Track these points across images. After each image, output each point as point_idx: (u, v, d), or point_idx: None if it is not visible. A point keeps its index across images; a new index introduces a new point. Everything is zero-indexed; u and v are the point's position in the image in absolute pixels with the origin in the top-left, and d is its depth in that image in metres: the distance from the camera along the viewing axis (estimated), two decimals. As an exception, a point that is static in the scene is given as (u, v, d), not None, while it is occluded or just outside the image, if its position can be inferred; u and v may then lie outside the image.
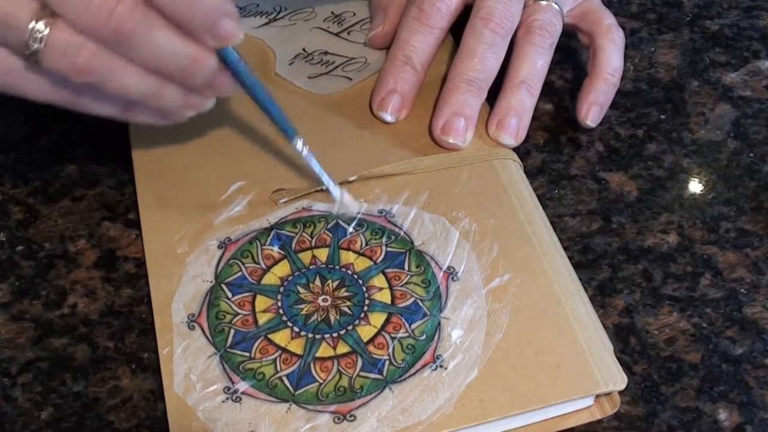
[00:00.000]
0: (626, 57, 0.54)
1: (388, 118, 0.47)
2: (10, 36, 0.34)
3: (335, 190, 0.43)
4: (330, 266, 0.41)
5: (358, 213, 0.43)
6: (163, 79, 0.36)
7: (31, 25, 0.33)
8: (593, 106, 0.48)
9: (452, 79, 0.46)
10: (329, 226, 0.42)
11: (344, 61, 0.51)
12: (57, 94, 0.36)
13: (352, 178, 0.44)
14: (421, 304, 0.39)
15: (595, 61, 0.49)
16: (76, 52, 0.34)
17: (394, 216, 0.43)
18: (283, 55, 0.51)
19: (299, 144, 0.42)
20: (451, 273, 0.40)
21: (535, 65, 0.47)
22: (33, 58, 0.34)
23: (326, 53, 0.52)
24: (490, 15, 0.46)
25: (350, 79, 0.50)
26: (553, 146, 0.49)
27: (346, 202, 0.43)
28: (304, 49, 0.52)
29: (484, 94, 0.46)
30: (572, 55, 0.54)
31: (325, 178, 0.42)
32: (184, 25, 0.35)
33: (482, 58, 0.46)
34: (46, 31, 0.33)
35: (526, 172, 0.46)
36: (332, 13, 0.54)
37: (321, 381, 0.37)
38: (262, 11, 0.54)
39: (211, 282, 0.40)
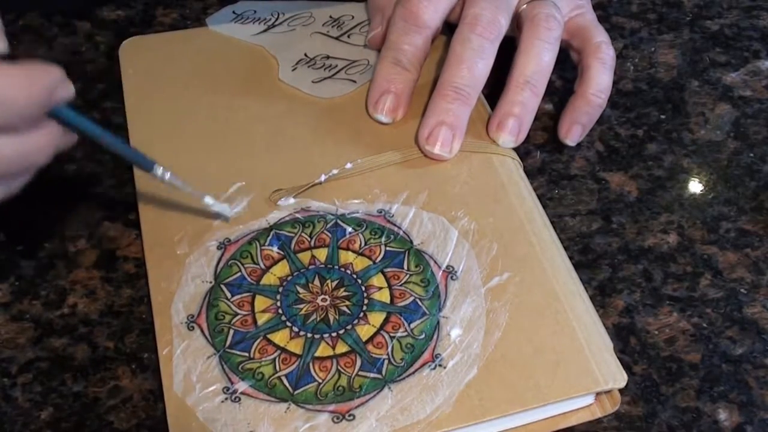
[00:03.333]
0: (626, 57, 0.54)
1: (384, 119, 0.47)
2: None
3: (206, 198, 0.41)
4: (329, 266, 0.41)
5: (232, 215, 0.42)
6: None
7: None
8: (574, 126, 0.48)
9: (439, 86, 0.46)
10: (328, 226, 0.42)
11: (347, 64, 0.51)
12: None
13: (323, 179, 0.44)
14: (420, 303, 0.39)
15: (582, 79, 0.48)
16: None
17: (393, 215, 0.43)
18: (286, 61, 0.51)
19: (159, 171, 0.39)
20: (450, 272, 0.40)
21: (540, 62, 0.47)
22: None
23: (328, 57, 0.52)
24: (476, 20, 0.46)
25: (354, 81, 0.50)
26: (553, 146, 0.49)
27: (218, 207, 0.42)
28: (305, 54, 0.52)
29: (473, 102, 0.46)
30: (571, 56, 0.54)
31: (189, 189, 0.40)
32: (20, 125, 0.32)
33: (470, 64, 0.46)
34: None
35: (526, 172, 0.46)
36: (330, 17, 0.55)
37: (320, 380, 0.37)
38: (259, 18, 0.54)
39: (211, 283, 0.40)
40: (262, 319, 0.39)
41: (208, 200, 0.41)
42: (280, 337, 0.38)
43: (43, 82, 0.32)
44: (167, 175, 0.40)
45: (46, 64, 0.32)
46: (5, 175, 0.34)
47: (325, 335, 0.38)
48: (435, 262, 0.41)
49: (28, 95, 0.31)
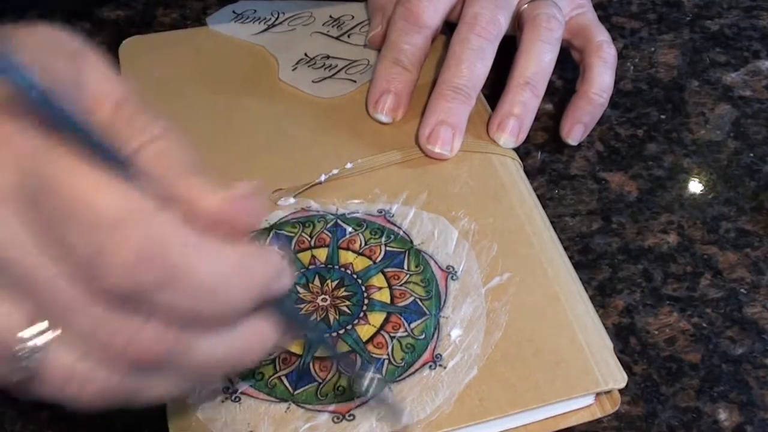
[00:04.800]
0: (626, 57, 0.54)
1: (384, 118, 0.47)
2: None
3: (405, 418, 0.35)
4: (329, 266, 0.41)
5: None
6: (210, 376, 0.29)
7: (19, 345, 0.24)
8: (576, 125, 0.48)
9: (439, 86, 0.46)
10: (328, 226, 0.42)
11: (347, 63, 0.51)
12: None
13: (323, 179, 0.44)
14: (420, 303, 0.39)
15: (584, 78, 0.49)
16: (80, 385, 0.26)
17: (393, 215, 0.43)
18: (286, 61, 0.51)
19: (376, 378, 0.35)
20: (450, 272, 0.40)
21: (541, 63, 0.47)
22: (17, 378, 0.25)
23: (328, 57, 0.52)
24: (475, 20, 0.46)
25: (354, 81, 0.50)
26: (553, 146, 0.49)
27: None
28: (306, 54, 0.52)
29: (473, 101, 0.46)
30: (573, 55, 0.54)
31: (397, 408, 0.35)
32: (234, 318, 0.27)
33: (469, 64, 0.46)
34: (38, 355, 0.25)
35: (526, 172, 0.46)
36: (330, 17, 0.55)
37: (320, 380, 0.37)
38: (259, 17, 0.54)
39: (211, 282, 0.40)
40: (262, 319, 0.39)
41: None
42: (280, 337, 0.38)
43: (264, 276, 0.26)
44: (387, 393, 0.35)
45: (268, 247, 0.26)
46: (201, 378, 0.28)
47: (326, 335, 0.38)
48: (435, 262, 0.41)
49: (241, 289, 0.25)
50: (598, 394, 0.37)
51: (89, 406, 0.26)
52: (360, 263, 0.41)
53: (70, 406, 0.26)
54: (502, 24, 0.47)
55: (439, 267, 0.41)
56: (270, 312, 0.28)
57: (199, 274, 0.24)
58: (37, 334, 0.24)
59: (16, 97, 0.22)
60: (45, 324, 0.24)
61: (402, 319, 0.39)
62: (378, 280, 0.40)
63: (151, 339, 0.25)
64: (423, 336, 0.38)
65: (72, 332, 0.24)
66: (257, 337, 0.28)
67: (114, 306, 0.24)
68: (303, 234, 0.42)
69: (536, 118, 0.48)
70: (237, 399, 0.36)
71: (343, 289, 0.40)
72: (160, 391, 0.27)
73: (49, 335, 0.24)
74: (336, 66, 0.51)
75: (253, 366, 0.30)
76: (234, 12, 0.55)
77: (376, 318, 0.39)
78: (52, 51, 0.26)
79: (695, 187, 0.48)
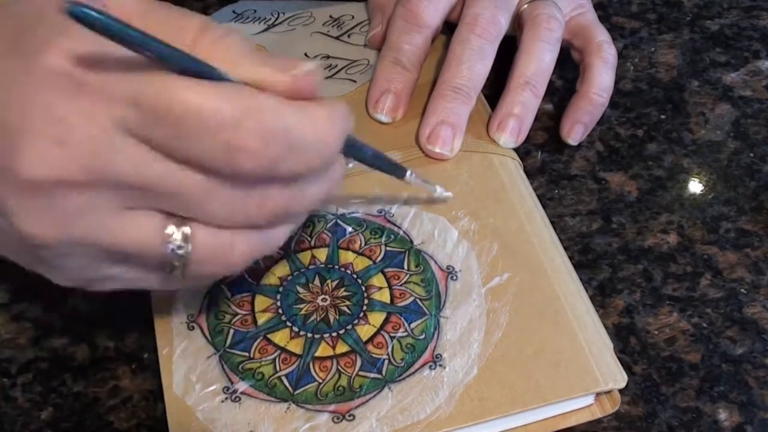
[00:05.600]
0: (626, 57, 0.54)
1: (384, 118, 0.47)
2: (147, 261, 0.30)
3: (439, 190, 0.42)
4: (329, 266, 0.41)
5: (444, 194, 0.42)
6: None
7: (166, 247, 0.29)
8: (576, 125, 0.48)
9: (439, 86, 0.46)
10: (328, 225, 0.42)
11: (347, 64, 0.51)
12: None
13: None
14: (420, 303, 0.39)
15: (584, 78, 0.48)
16: (228, 251, 0.30)
17: (393, 215, 0.43)
18: (286, 61, 0.51)
19: (412, 177, 0.39)
20: (450, 272, 0.40)
21: (541, 63, 0.47)
22: (176, 272, 0.30)
23: (328, 57, 0.52)
24: (476, 20, 0.46)
25: (354, 81, 0.50)
26: (553, 146, 0.49)
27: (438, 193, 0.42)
28: (305, 54, 0.52)
29: (473, 102, 0.46)
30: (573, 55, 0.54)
31: (437, 188, 0.42)
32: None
33: (469, 64, 0.46)
34: (188, 247, 0.29)
35: (526, 172, 0.46)
36: (331, 17, 0.54)
37: (320, 380, 0.37)
38: (260, 17, 0.54)
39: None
40: (262, 318, 0.39)
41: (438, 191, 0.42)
42: (280, 337, 0.38)
43: (343, 123, 0.30)
44: (413, 178, 0.39)
45: (335, 101, 0.30)
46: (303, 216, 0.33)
47: (326, 335, 0.38)
48: (435, 262, 0.41)
49: (335, 138, 0.30)
50: (598, 394, 0.38)
51: (240, 268, 0.31)
52: (360, 263, 0.41)
53: (230, 273, 0.31)
54: (502, 24, 0.47)
55: (439, 267, 0.41)
56: (350, 152, 0.34)
57: (310, 137, 0.29)
58: (178, 232, 0.29)
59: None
60: (180, 221, 0.29)
61: (402, 319, 0.39)
62: (378, 280, 0.40)
63: (277, 199, 0.30)
64: (423, 336, 0.38)
65: (208, 215, 0.29)
66: (340, 171, 0.33)
67: (244, 185, 0.29)
68: (303, 234, 0.42)
69: (536, 118, 0.48)
70: (237, 399, 0.36)
71: (343, 289, 0.40)
72: (285, 236, 0.32)
73: (187, 228, 0.29)
74: (336, 66, 0.51)
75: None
76: (234, 12, 0.55)
77: (376, 318, 0.39)
78: None
79: (695, 187, 0.48)
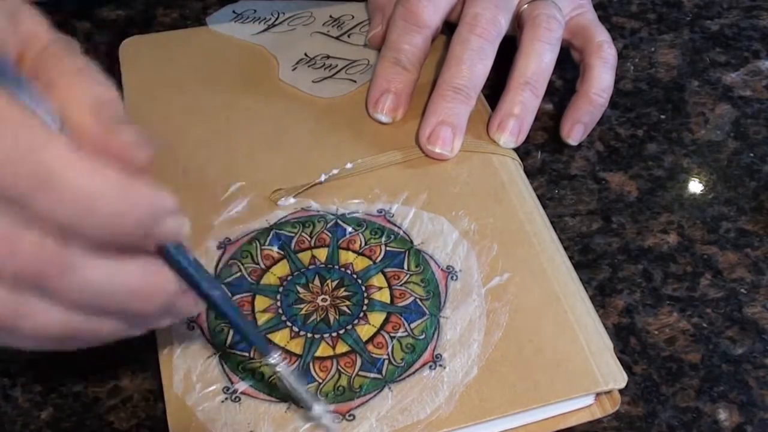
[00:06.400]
0: (626, 57, 0.54)
1: (383, 118, 0.47)
2: None
3: (316, 409, 0.35)
4: (329, 266, 0.41)
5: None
6: (98, 313, 0.28)
7: None
8: (576, 125, 0.48)
9: (439, 87, 0.46)
10: (328, 226, 0.42)
11: (347, 63, 0.51)
12: None
13: (323, 179, 0.44)
14: (420, 303, 0.39)
15: (584, 79, 0.49)
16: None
17: (393, 215, 0.43)
18: (286, 61, 0.51)
19: (276, 358, 0.35)
20: (450, 272, 0.40)
21: (541, 63, 0.47)
22: None
23: (328, 57, 0.52)
24: (476, 21, 0.46)
25: (354, 81, 0.50)
26: (553, 146, 0.49)
27: (325, 422, 0.35)
28: (306, 54, 0.52)
29: (473, 102, 0.46)
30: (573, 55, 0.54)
31: (303, 393, 0.35)
32: (115, 245, 0.26)
33: (469, 64, 0.46)
34: None
35: (526, 172, 0.46)
36: (331, 17, 0.55)
37: (320, 380, 0.37)
38: (260, 17, 0.54)
39: (211, 282, 0.40)
40: (262, 318, 0.39)
41: (318, 410, 0.35)
42: (280, 337, 0.38)
43: (147, 201, 0.26)
44: (282, 366, 0.35)
45: (158, 190, 0.26)
46: (99, 311, 0.27)
47: (326, 335, 0.38)
48: (435, 262, 0.41)
49: (121, 207, 0.25)
50: (598, 394, 0.38)
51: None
52: (360, 263, 0.41)
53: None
54: (502, 24, 0.47)
55: (439, 267, 0.41)
56: (163, 261, 0.29)
57: (73, 184, 0.24)
58: None
59: None
60: None
61: (402, 319, 0.39)
62: (378, 280, 0.40)
63: (30, 248, 0.25)
64: (423, 336, 0.38)
65: None
66: (151, 278, 0.28)
67: None
68: (303, 234, 0.42)
69: (536, 118, 0.48)
70: (237, 399, 0.36)
71: (343, 289, 0.40)
72: (47, 321, 0.27)
73: None
74: (336, 66, 0.51)
75: (159, 317, 0.30)
76: (234, 12, 0.55)
77: (376, 318, 0.39)
78: None
79: (695, 187, 0.48)
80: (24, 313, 0.26)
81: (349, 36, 0.53)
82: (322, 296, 0.40)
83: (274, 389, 0.36)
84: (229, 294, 0.36)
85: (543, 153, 0.49)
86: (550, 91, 0.51)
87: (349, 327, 0.39)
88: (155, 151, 0.28)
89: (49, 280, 0.25)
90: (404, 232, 0.42)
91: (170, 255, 0.29)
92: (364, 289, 0.40)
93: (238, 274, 0.40)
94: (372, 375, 0.37)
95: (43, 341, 0.28)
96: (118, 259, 0.27)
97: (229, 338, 0.38)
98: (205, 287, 0.30)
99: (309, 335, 0.38)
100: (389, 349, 0.38)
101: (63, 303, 0.26)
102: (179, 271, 0.29)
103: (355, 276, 0.40)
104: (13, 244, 0.25)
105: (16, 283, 0.25)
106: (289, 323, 0.39)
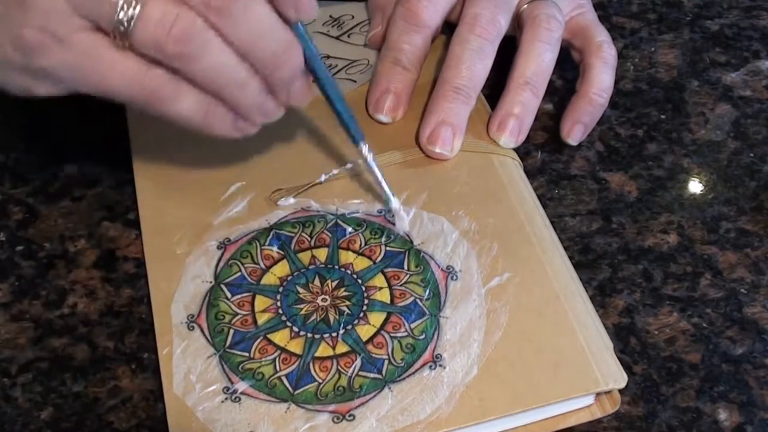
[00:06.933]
0: (626, 57, 0.54)
1: (384, 118, 0.47)
2: (101, 10, 0.32)
3: (393, 202, 0.42)
4: (329, 266, 0.41)
5: (403, 231, 0.42)
6: (251, 66, 0.35)
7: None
8: (576, 125, 0.48)
9: (439, 87, 0.46)
10: (328, 226, 0.42)
11: (347, 63, 0.51)
12: (140, 84, 0.34)
13: (323, 179, 0.44)
14: (420, 303, 0.39)
15: (584, 79, 0.48)
16: (172, 19, 0.32)
17: (393, 215, 0.43)
18: (286, 60, 0.51)
19: (365, 149, 0.42)
20: (450, 272, 0.40)
21: (541, 63, 0.47)
22: (125, 34, 0.33)
23: (328, 57, 0.52)
24: (475, 20, 0.46)
25: (354, 81, 0.50)
26: (553, 146, 0.49)
27: (398, 215, 0.42)
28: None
29: (473, 102, 0.46)
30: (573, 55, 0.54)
31: (385, 187, 0.42)
32: None
33: (469, 64, 0.46)
34: (141, 1, 0.32)
35: (526, 172, 0.46)
36: (330, 17, 0.54)
37: (320, 381, 0.37)
38: None
39: (211, 282, 0.40)
40: (262, 319, 0.39)
41: (395, 205, 0.42)
42: (280, 337, 0.38)
43: None
44: (369, 157, 0.42)
45: None
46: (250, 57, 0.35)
47: (326, 335, 0.38)
48: (435, 262, 0.41)
49: None
50: (598, 394, 0.38)
51: (175, 49, 0.33)
52: (360, 263, 0.41)
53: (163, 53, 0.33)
54: (502, 24, 0.47)
55: (439, 267, 0.41)
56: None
57: None
58: None
59: None
60: None
61: (402, 319, 0.39)
62: (378, 280, 0.40)
63: None
64: (423, 336, 0.38)
65: None
66: (291, 45, 0.36)
67: None
68: (303, 234, 0.42)
69: (536, 118, 0.48)
70: (237, 399, 0.36)
71: (343, 289, 0.40)
72: (220, 61, 0.34)
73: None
74: (336, 66, 0.51)
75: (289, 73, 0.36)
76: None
77: (376, 318, 0.39)
78: None
79: (695, 187, 0.48)
80: (207, 41, 0.33)
81: (349, 36, 0.53)
82: (322, 296, 0.40)
83: (274, 389, 0.37)
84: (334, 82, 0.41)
85: (543, 153, 0.49)
86: (550, 91, 0.51)
87: (349, 327, 0.39)
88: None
89: (233, 6, 0.33)
90: (404, 232, 0.42)
91: (299, 30, 0.36)
92: (364, 289, 0.40)
93: (238, 274, 0.40)
94: (372, 375, 0.37)
95: (200, 101, 0.36)
96: (278, 18, 0.35)
97: (229, 338, 0.38)
98: (320, 68, 0.39)
99: (309, 335, 0.38)
100: (389, 349, 0.38)
101: (233, 43, 0.34)
102: (304, 49, 0.37)
103: (355, 276, 0.40)
104: None
105: (208, 8, 0.33)
106: (289, 323, 0.39)
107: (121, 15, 0.32)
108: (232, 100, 0.36)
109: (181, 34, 0.33)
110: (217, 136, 0.38)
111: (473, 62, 0.46)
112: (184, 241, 0.42)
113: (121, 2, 0.32)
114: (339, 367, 0.37)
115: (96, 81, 0.34)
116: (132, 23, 0.32)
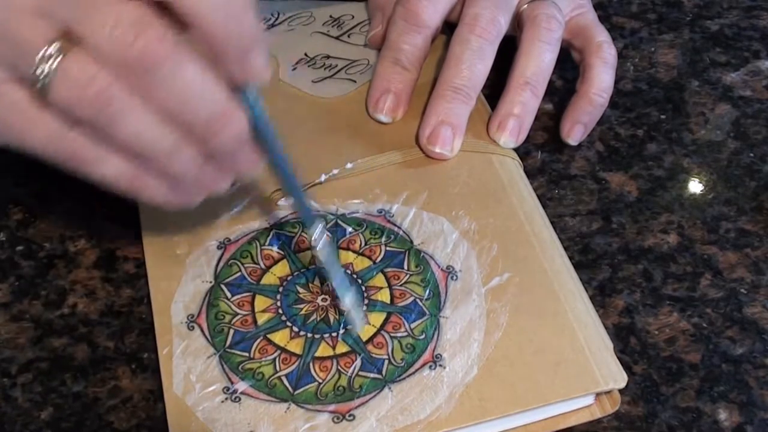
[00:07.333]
0: (626, 57, 0.54)
1: (384, 118, 0.47)
2: (20, 63, 0.30)
3: (347, 301, 0.38)
4: (329, 266, 0.41)
5: (360, 328, 0.39)
6: (181, 133, 0.31)
7: (43, 51, 0.29)
8: (576, 125, 0.48)
9: (439, 87, 0.46)
10: (328, 226, 0.42)
11: (347, 63, 0.51)
12: (60, 144, 0.31)
13: (323, 179, 0.44)
14: (420, 303, 0.39)
15: (584, 79, 0.48)
16: (89, 80, 0.29)
17: (393, 215, 0.43)
18: (286, 61, 0.51)
19: (316, 232, 0.38)
20: (450, 272, 0.40)
21: (541, 63, 0.47)
22: (42, 89, 0.30)
23: (328, 57, 0.52)
24: (475, 21, 0.46)
25: (354, 81, 0.50)
26: (553, 146, 0.49)
27: (350, 316, 0.38)
28: (306, 54, 0.52)
29: (473, 102, 0.46)
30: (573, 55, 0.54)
31: (338, 279, 0.38)
32: (215, 46, 0.30)
33: (469, 64, 0.46)
34: (59, 58, 0.29)
35: (526, 172, 0.46)
36: (331, 16, 0.54)
37: (320, 380, 0.37)
38: (259, 17, 0.54)
39: (211, 282, 0.40)
40: (262, 318, 0.39)
41: (347, 304, 0.38)
42: (280, 337, 0.38)
43: (249, 19, 0.31)
44: (320, 243, 0.38)
45: None
46: (179, 121, 0.31)
47: (325, 335, 0.38)
48: (435, 262, 0.41)
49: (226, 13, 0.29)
50: (598, 394, 0.38)
51: (90, 111, 0.30)
52: (360, 263, 0.41)
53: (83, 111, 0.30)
54: (502, 24, 0.47)
55: (439, 267, 0.41)
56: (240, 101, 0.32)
57: None
58: (56, 48, 0.29)
59: None
60: (63, 38, 0.29)
61: (402, 319, 0.39)
62: (378, 280, 0.40)
63: (155, 40, 0.29)
64: (423, 336, 0.38)
65: (86, 40, 0.29)
66: (229, 108, 0.31)
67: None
68: (303, 234, 0.42)
69: (536, 118, 0.48)
70: (237, 399, 0.36)
71: (343, 289, 0.40)
72: (141, 126, 0.30)
73: (65, 47, 0.29)
74: (336, 66, 0.51)
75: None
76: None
77: (377, 318, 0.39)
78: None
79: (695, 187, 0.48)
80: (127, 105, 0.30)
81: (349, 36, 0.53)
82: (322, 296, 0.40)
83: (274, 389, 0.37)
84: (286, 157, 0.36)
85: (543, 153, 0.49)
86: (550, 91, 0.51)
87: (350, 327, 0.39)
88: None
89: (159, 67, 0.29)
90: (404, 232, 0.42)
91: (247, 99, 0.32)
92: (364, 289, 0.40)
93: (238, 274, 0.40)
94: (372, 375, 0.37)
95: (125, 164, 0.32)
96: (214, 80, 0.30)
97: (229, 338, 0.38)
98: (270, 139, 0.34)
99: (309, 335, 0.38)
100: (389, 349, 0.38)
101: (159, 108, 0.30)
102: (251, 119, 0.32)
103: (355, 276, 0.40)
104: (138, 32, 0.29)
105: (131, 70, 0.29)
106: (289, 323, 0.39)
107: (39, 70, 0.29)
108: (160, 169, 0.32)
109: (96, 97, 0.29)
110: (153, 204, 0.34)
111: (473, 62, 0.46)
112: (184, 241, 0.42)
113: (39, 55, 0.29)
114: (339, 367, 0.37)
115: (17, 136, 0.31)
116: (48, 79, 0.29)
